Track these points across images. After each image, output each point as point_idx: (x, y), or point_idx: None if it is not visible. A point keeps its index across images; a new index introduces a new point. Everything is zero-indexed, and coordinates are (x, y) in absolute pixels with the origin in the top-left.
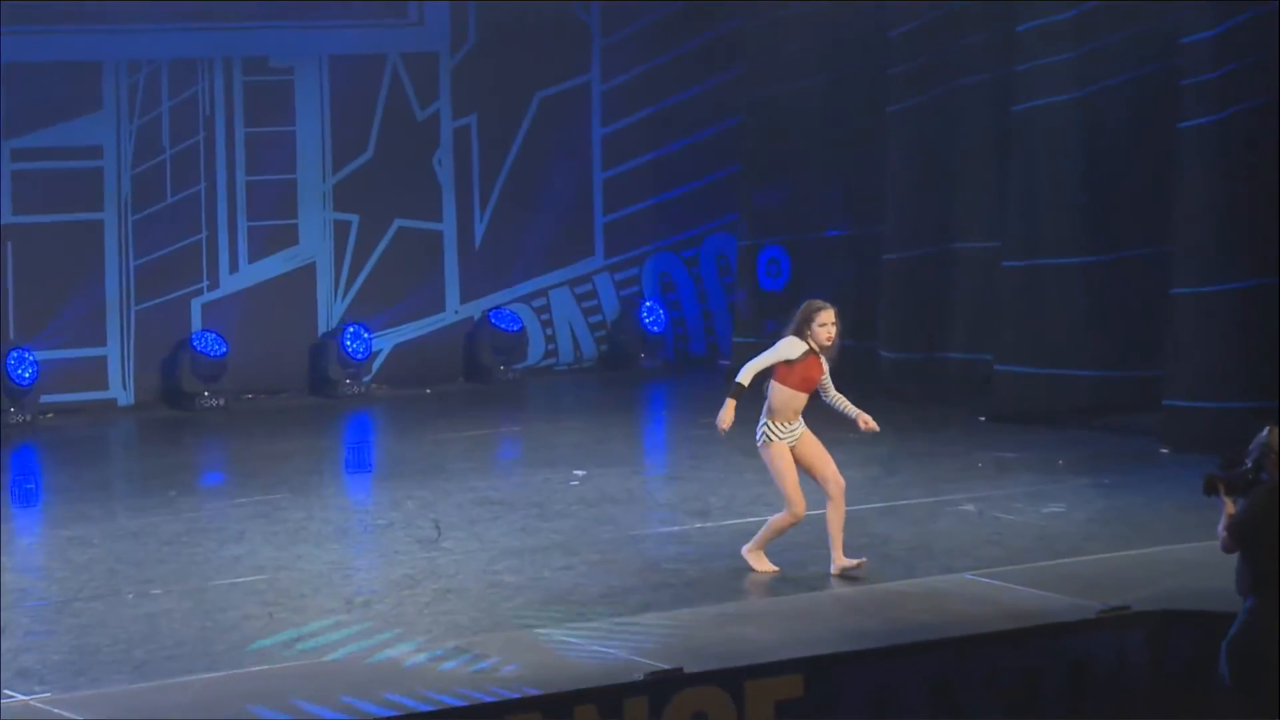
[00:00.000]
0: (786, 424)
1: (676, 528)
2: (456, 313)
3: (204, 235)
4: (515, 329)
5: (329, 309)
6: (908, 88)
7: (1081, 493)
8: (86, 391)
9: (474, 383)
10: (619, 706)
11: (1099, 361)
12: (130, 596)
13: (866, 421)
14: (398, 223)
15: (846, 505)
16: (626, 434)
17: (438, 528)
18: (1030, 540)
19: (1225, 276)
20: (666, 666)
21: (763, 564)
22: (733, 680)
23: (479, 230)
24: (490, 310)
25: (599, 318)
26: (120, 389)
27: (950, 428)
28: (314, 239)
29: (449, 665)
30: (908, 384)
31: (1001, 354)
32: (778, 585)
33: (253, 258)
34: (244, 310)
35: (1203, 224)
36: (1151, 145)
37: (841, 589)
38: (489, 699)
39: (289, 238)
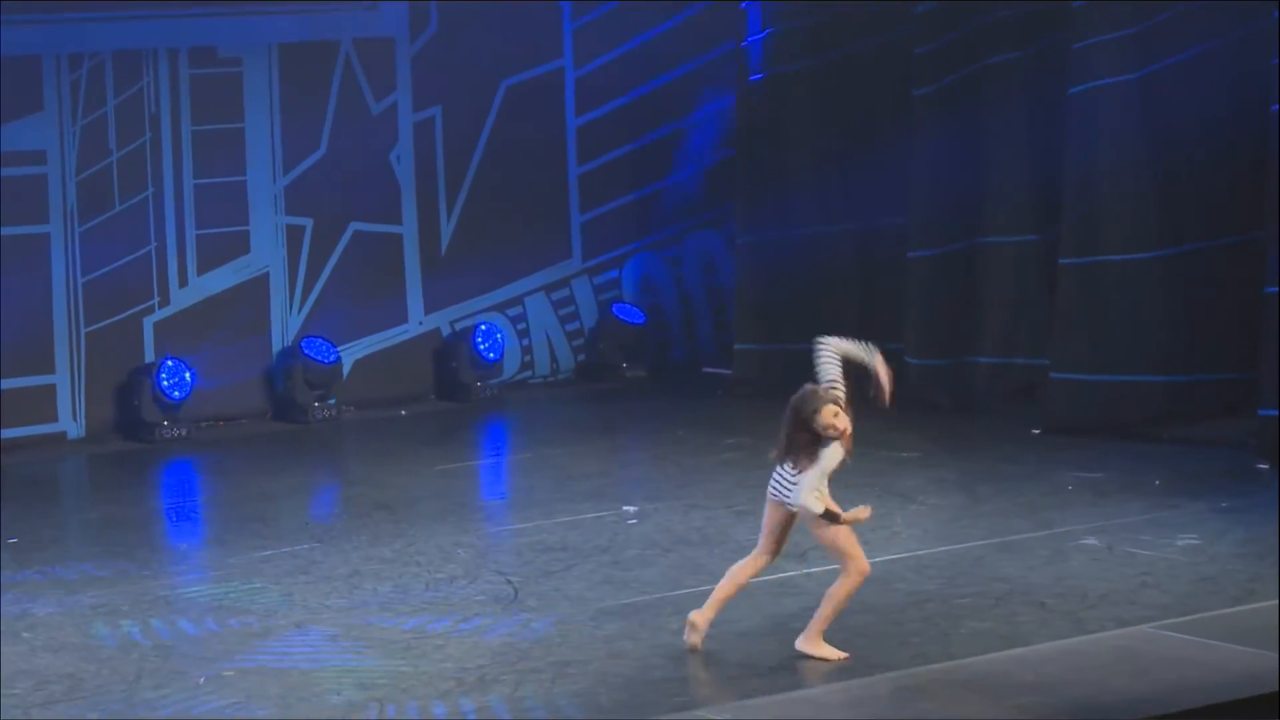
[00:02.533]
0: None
1: (779, 575)
2: (421, 324)
3: (153, 246)
4: (496, 358)
5: (284, 324)
6: (936, 68)
7: (1205, 520)
8: (32, 425)
9: (448, 401)
10: None
11: (1165, 367)
12: (202, 680)
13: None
14: (353, 226)
15: (951, 544)
16: (653, 458)
17: (513, 586)
18: (1189, 582)
19: None
20: None
21: (826, 650)
22: None
23: (445, 233)
24: (476, 324)
25: (576, 325)
26: (70, 420)
27: (1007, 443)
28: (266, 247)
29: None
30: (937, 393)
31: (1059, 360)
32: (930, 648)
33: (202, 269)
34: (198, 328)
35: None
36: (1224, 126)
37: (1020, 650)
38: None
39: (240, 246)
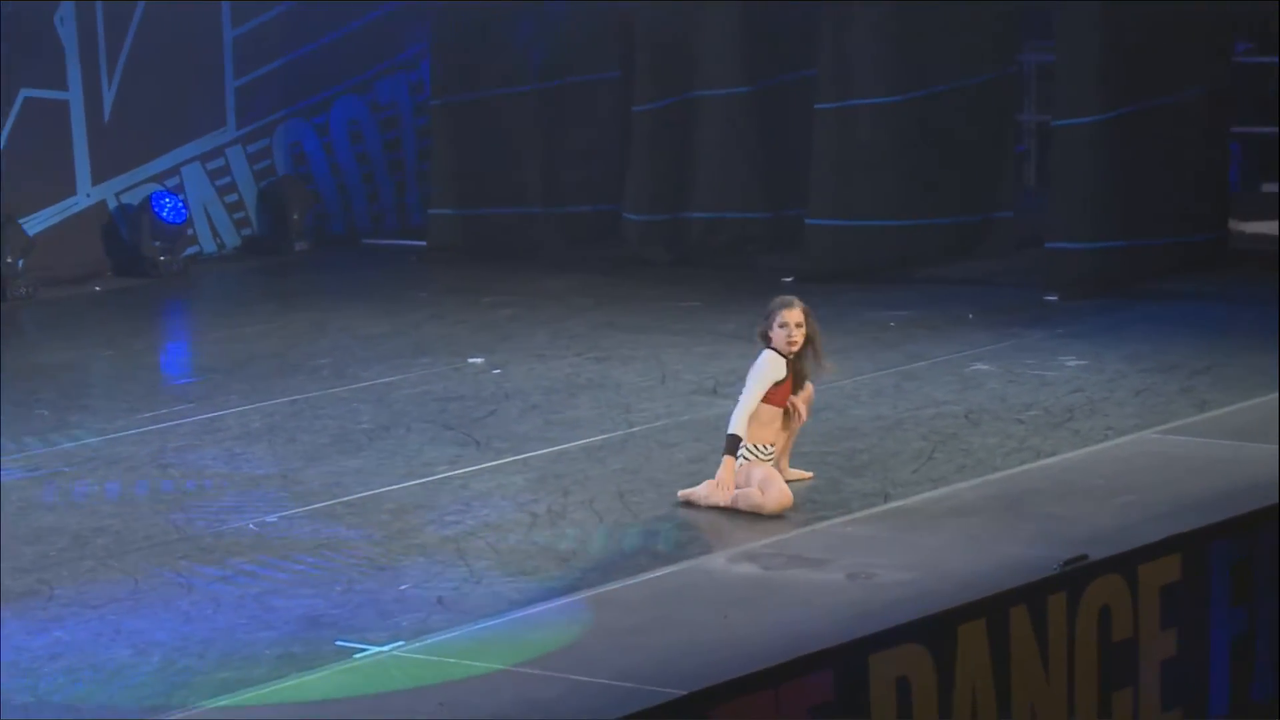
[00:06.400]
0: (765, 447)
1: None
2: (89, 196)
3: None
4: (179, 220)
5: None
6: None
7: (1066, 344)
8: None
9: (131, 277)
10: (1044, 606)
11: (908, 211)
12: (252, 525)
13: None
14: (24, 93)
15: (848, 376)
16: (431, 318)
17: (465, 434)
18: (1131, 394)
19: (1104, 105)
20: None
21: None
22: (1127, 565)
23: (108, 100)
24: (152, 194)
25: (235, 197)
26: None
27: (774, 291)
28: None
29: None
30: (656, 248)
31: (815, 207)
32: (965, 461)
33: None
34: None
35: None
36: None
37: (1062, 458)
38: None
39: None
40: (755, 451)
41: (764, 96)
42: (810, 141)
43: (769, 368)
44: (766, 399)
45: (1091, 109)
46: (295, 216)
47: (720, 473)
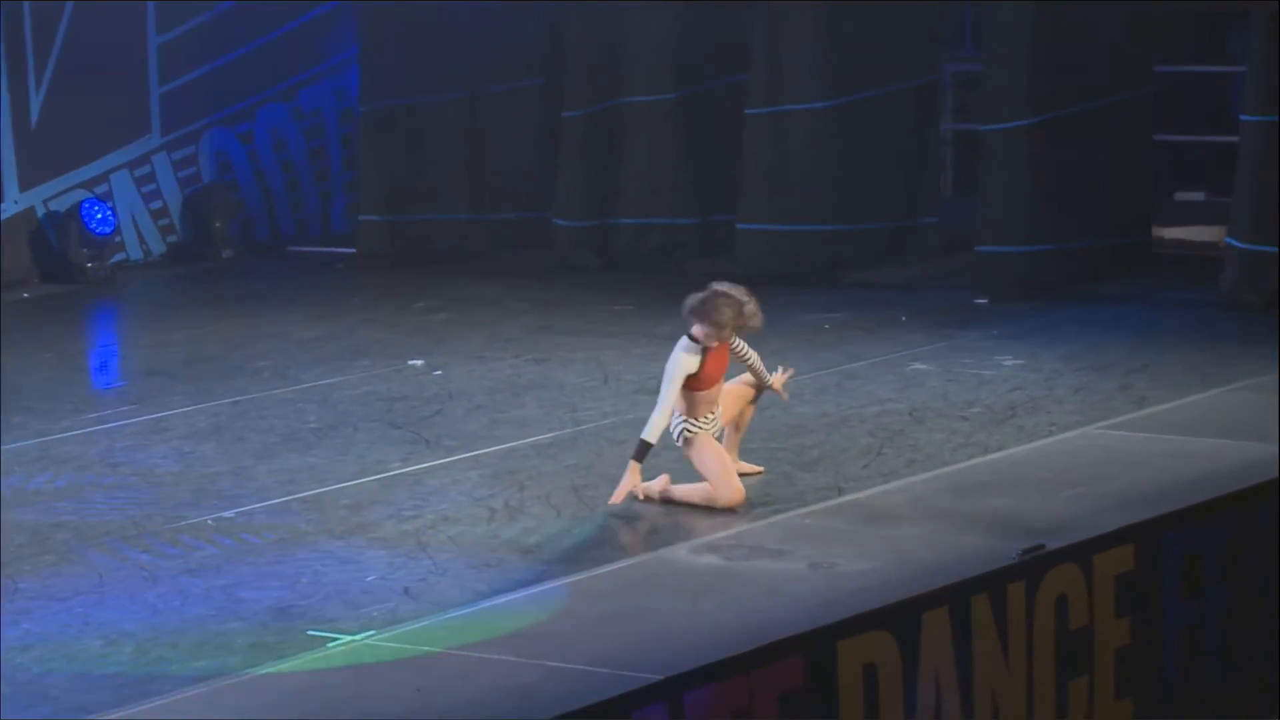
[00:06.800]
0: (707, 416)
1: None
2: (16, 203)
3: None
4: (107, 231)
5: None
6: None
7: (1002, 345)
8: None
9: (59, 283)
10: (1004, 594)
11: (839, 216)
12: (211, 521)
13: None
14: None
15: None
16: (364, 322)
17: (414, 432)
18: (1070, 391)
19: (1032, 110)
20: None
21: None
22: (1083, 554)
23: (35, 105)
24: (81, 201)
25: (159, 204)
26: None
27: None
28: None
29: (792, 565)
30: (585, 254)
31: (745, 212)
32: (914, 455)
33: None
34: None
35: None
36: None
37: (1010, 452)
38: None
39: None
40: (697, 424)
41: (692, 102)
42: (738, 147)
43: (680, 364)
44: (693, 386)
45: (1019, 114)
46: (219, 224)
47: (626, 477)
